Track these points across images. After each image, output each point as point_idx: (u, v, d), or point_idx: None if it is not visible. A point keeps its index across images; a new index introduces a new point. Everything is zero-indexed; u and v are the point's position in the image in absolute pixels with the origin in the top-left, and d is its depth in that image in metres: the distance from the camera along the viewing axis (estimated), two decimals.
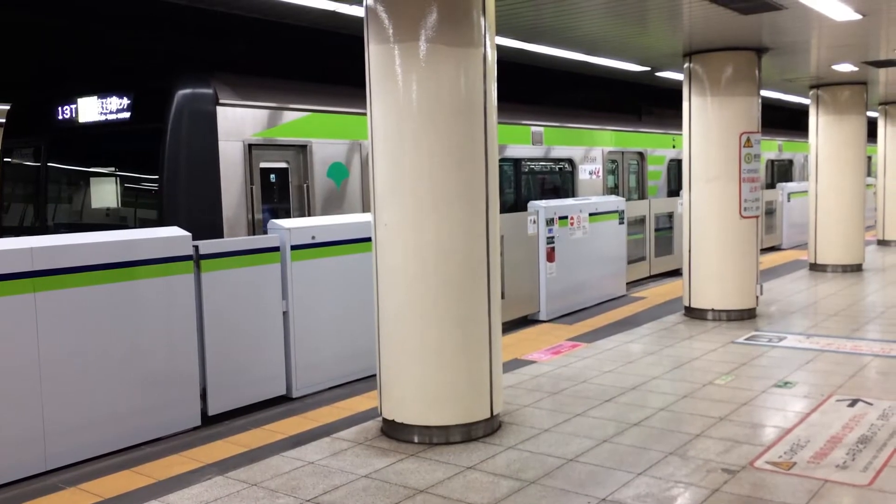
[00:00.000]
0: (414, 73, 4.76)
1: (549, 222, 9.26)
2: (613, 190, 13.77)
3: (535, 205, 9.29)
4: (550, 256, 9.28)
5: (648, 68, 10.57)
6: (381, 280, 5.03)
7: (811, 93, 12.75)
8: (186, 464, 4.77)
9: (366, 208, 8.79)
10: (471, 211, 4.90)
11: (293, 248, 6.35)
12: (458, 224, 4.87)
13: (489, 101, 4.94)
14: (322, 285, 6.57)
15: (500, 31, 7.29)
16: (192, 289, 5.59)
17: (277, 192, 8.20)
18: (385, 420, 5.16)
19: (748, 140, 8.65)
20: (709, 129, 8.75)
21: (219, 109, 7.55)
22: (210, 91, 7.56)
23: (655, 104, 15.06)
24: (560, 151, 12.42)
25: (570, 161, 12.68)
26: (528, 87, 12.63)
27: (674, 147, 15.06)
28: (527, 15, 7.00)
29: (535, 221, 9.12)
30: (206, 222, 7.26)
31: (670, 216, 13.27)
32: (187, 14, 7.56)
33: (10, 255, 4.65)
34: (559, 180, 12.70)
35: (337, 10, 6.53)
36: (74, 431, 4.94)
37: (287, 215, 8.10)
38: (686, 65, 8.94)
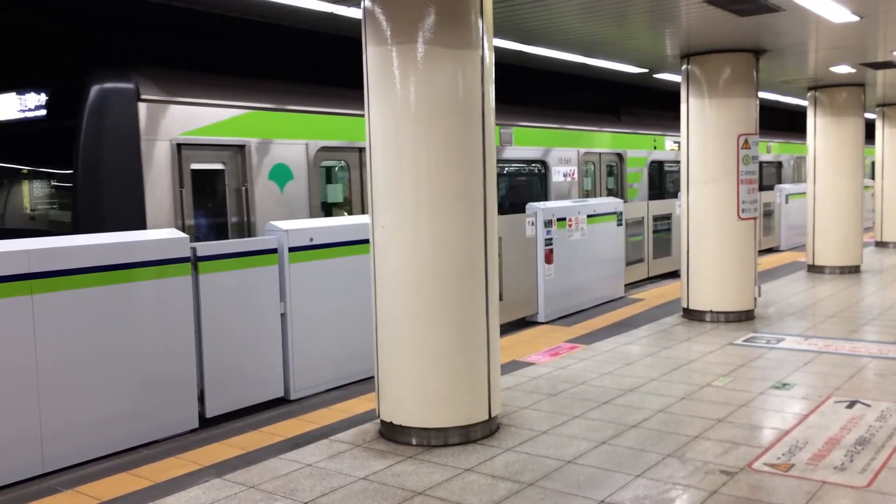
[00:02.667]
0: (412, 75, 4.76)
1: (548, 224, 9.26)
2: (589, 193, 13.50)
3: (533, 206, 9.29)
4: (549, 258, 9.28)
5: (646, 70, 10.58)
6: (380, 282, 5.03)
7: (809, 95, 12.75)
8: (184, 466, 4.77)
9: (313, 212, 8.37)
10: (469, 212, 4.90)
11: (291, 249, 6.34)
12: (456, 226, 4.86)
13: (487, 102, 4.95)
14: (320, 287, 6.56)
15: (498, 33, 7.29)
16: (189, 291, 5.59)
17: (212, 195, 7.69)
18: (383, 422, 5.15)
19: (746, 142, 8.65)
20: (707, 131, 8.75)
21: (140, 105, 6.98)
22: (130, 86, 7.01)
23: (638, 105, 14.86)
24: (531, 153, 12.03)
25: (543, 163, 12.37)
26: (498, 86, 12.34)
27: (655, 148, 14.89)
28: (525, 17, 7.00)
29: (533, 223, 9.13)
30: (127, 228, 6.55)
31: (668, 218, 13.25)
32: (116, 4, 7.11)
33: (7, 257, 4.64)
34: (530, 183, 12.33)
35: (335, 13, 6.54)
36: (72, 434, 4.93)
37: (223, 220, 7.65)
38: (684, 66, 8.95)
